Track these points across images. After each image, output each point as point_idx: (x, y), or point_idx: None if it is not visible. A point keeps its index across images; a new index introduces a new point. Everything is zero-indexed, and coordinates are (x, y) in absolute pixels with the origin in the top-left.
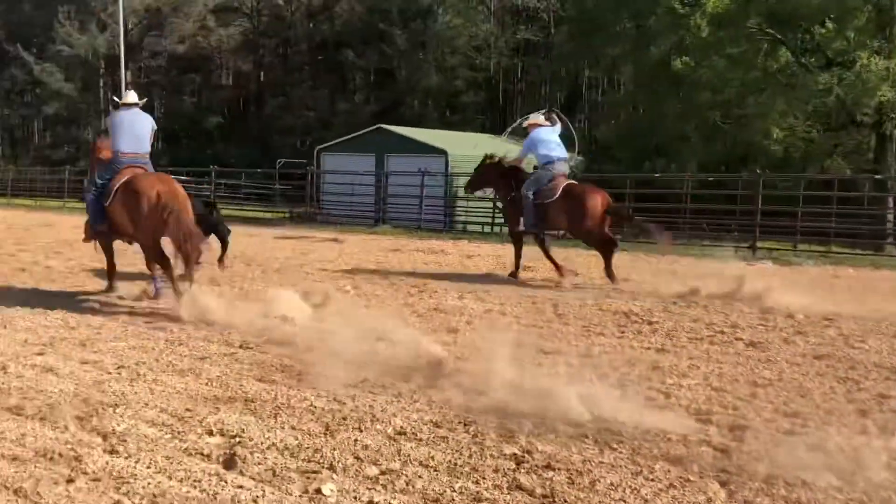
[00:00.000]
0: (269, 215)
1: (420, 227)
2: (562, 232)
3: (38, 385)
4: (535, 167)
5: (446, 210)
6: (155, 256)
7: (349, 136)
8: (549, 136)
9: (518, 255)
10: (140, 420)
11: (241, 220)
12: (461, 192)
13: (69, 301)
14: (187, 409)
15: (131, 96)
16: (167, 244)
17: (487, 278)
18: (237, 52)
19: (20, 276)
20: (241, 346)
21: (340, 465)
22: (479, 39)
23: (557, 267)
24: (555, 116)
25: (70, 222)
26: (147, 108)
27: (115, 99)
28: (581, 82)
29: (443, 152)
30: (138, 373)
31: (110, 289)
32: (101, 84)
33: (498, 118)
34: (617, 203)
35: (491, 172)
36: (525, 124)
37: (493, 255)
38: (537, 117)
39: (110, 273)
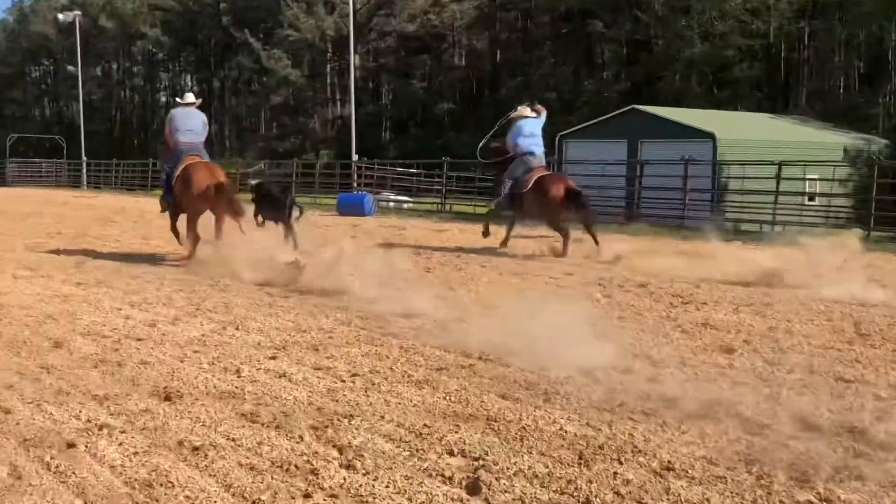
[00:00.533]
0: None
1: (683, 225)
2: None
3: (272, 391)
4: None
5: (714, 205)
6: (191, 226)
7: (596, 120)
8: (532, 129)
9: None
10: (376, 434)
11: (475, 218)
12: (732, 185)
13: (301, 302)
14: (425, 425)
15: (189, 97)
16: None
17: (768, 288)
18: (471, 29)
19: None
20: (479, 358)
21: (598, 500)
22: (755, 0)
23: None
24: (539, 107)
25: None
26: (374, 94)
27: (177, 99)
28: (887, 47)
29: (710, 136)
30: (373, 382)
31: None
32: (329, 69)
33: (778, 94)
34: (577, 191)
35: (498, 152)
36: (512, 115)
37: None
38: (524, 109)
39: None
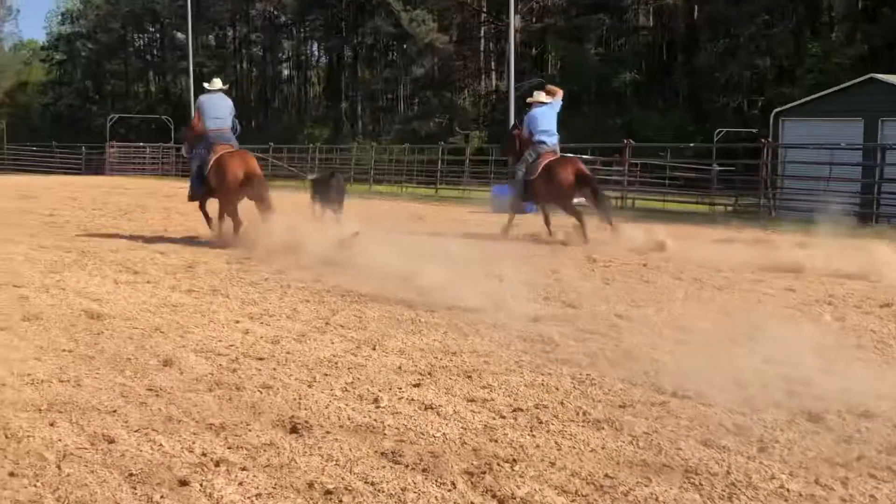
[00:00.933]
0: (703, 208)
1: None
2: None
3: (417, 426)
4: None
5: None
6: (232, 212)
7: (824, 93)
8: (544, 116)
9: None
10: (545, 484)
11: (665, 215)
12: None
13: (449, 318)
14: (607, 476)
15: (216, 83)
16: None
17: None
18: None
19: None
20: (674, 394)
21: None
22: None
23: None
24: (551, 88)
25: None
26: (538, 63)
27: (205, 85)
28: None
29: None
30: (539, 419)
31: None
32: (482, 33)
33: None
34: (587, 174)
35: (514, 142)
36: (529, 101)
37: None
38: (539, 95)
39: (220, 226)
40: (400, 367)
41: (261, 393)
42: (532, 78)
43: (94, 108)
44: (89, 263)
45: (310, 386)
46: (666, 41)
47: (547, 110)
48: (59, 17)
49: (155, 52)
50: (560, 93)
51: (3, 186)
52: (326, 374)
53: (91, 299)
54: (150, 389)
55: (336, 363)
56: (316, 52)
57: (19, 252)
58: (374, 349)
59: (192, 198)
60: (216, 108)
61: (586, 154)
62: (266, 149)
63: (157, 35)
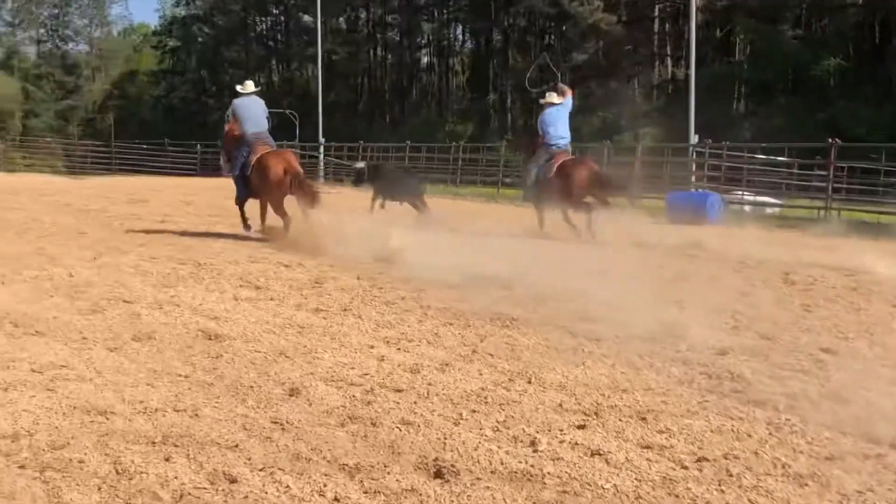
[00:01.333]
0: None
1: None
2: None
3: (583, 475)
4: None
5: None
6: (280, 212)
7: None
8: (557, 117)
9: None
10: None
11: (877, 230)
12: None
13: (618, 348)
14: None
15: (249, 85)
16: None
17: None
18: None
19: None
20: (891, 445)
21: None
22: None
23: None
24: (563, 87)
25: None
26: (723, 48)
27: (238, 88)
28: None
29: None
30: (729, 472)
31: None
32: (656, 13)
33: None
34: (600, 174)
35: (525, 139)
36: (541, 101)
37: None
38: (551, 96)
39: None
40: (560, 405)
41: (400, 430)
42: (715, 65)
43: (211, 101)
44: (206, 277)
45: (456, 424)
46: (878, 20)
47: (558, 111)
48: None
49: (278, 37)
50: (570, 93)
51: (111, 189)
52: (475, 411)
53: (209, 318)
54: (276, 422)
55: (485, 398)
56: (460, 36)
57: (129, 263)
58: (529, 383)
59: (237, 201)
60: (252, 110)
61: (781, 155)
62: (402, 147)
63: (282, 18)
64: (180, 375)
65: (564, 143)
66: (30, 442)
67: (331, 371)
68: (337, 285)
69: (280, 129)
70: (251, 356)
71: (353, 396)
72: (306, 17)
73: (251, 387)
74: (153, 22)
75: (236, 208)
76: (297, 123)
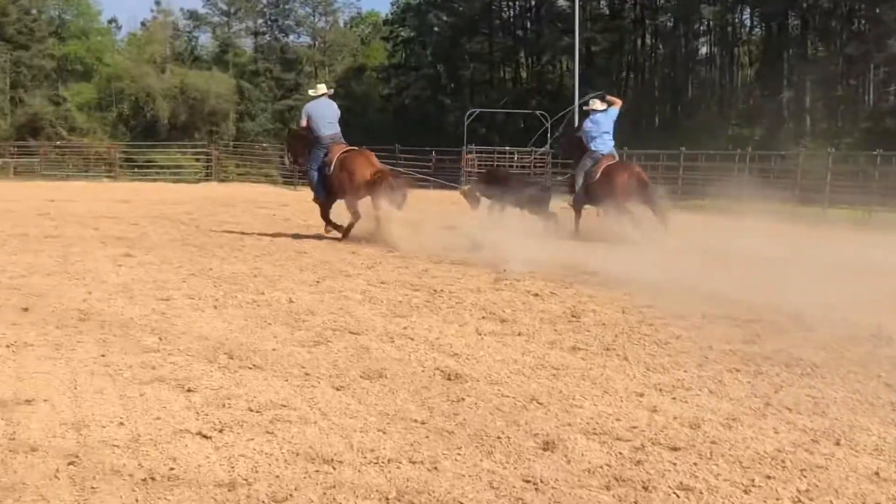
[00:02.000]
0: None
1: None
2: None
3: None
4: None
5: None
6: (354, 211)
7: None
8: (600, 123)
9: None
10: None
11: None
12: None
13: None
14: None
15: (321, 88)
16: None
17: None
18: None
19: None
20: None
21: None
22: None
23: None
24: (612, 99)
25: None
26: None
27: (310, 92)
28: None
29: None
30: None
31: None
32: None
33: None
34: (643, 178)
35: (568, 142)
36: (585, 108)
37: None
38: (595, 103)
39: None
40: (877, 473)
41: (678, 496)
42: None
43: (448, 101)
44: (443, 306)
45: (746, 492)
46: None
47: (602, 117)
48: None
49: (528, 25)
50: (619, 102)
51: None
52: (769, 477)
53: (447, 354)
54: (528, 481)
55: (782, 462)
56: (747, 22)
57: (355, 288)
58: (837, 444)
59: (316, 200)
60: (325, 113)
61: None
62: (675, 155)
63: (532, 3)
64: (416, 421)
65: (608, 148)
66: (248, 492)
67: (592, 422)
68: (597, 319)
69: (528, 132)
70: (497, 401)
71: (620, 454)
72: (561, 2)
73: (498, 437)
74: (384, 10)
75: (478, 222)
76: (548, 126)
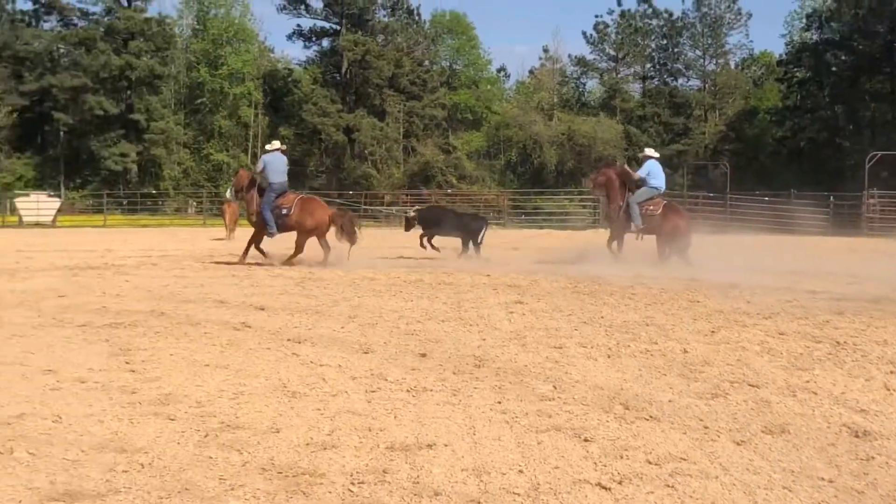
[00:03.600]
0: None
1: None
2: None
3: None
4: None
5: None
6: (300, 247)
7: None
8: (658, 168)
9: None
10: None
11: None
12: None
13: None
14: None
15: (275, 144)
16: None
17: None
18: None
19: None
20: None
21: None
22: None
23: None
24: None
25: None
26: None
27: (267, 147)
28: None
29: None
30: None
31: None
32: None
33: None
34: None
35: (610, 175)
36: (641, 155)
37: None
38: (651, 151)
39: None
40: None
41: None
42: None
43: (846, 144)
44: (847, 359)
45: None
46: None
47: (656, 164)
48: (804, 21)
49: None
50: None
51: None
52: None
53: (853, 410)
54: None
55: None
56: None
57: (752, 339)
58: None
59: (269, 234)
60: (278, 166)
61: None
62: None
63: None
64: (822, 479)
65: (663, 190)
66: None
67: None
68: None
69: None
70: None
71: None
72: None
73: None
74: (778, 50)
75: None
76: None
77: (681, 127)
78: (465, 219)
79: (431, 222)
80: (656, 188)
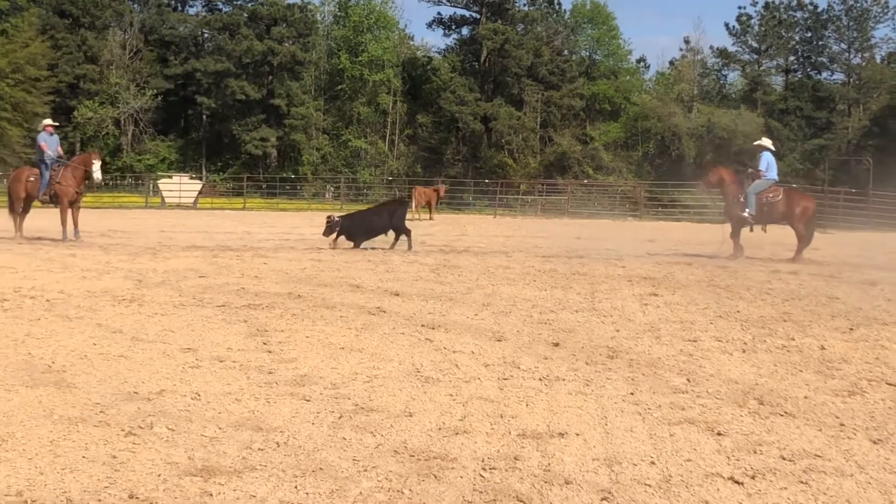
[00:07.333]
0: None
1: None
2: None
3: None
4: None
5: None
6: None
7: None
8: (773, 159)
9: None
10: None
11: None
12: None
13: None
14: None
15: (49, 121)
16: None
17: None
18: None
19: None
20: None
21: None
22: None
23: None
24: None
25: None
26: None
27: (45, 122)
28: None
29: None
30: None
31: None
32: None
33: None
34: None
35: (721, 174)
36: (755, 143)
37: None
38: (767, 141)
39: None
40: None
41: None
42: None
43: None
44: None
45: None
46: None
47: (771, 155)
48: None
49: None
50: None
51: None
52: None
53: None
54: None
55: None
56: None
57: (892, 337)
58: None
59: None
60: (50, 142)
61: None
62: None
63: None
64: None
65: (777, 179)
66: None
67: None
68: None
69: None
70: None
71: None
72: None
73: None
74: None
75: None
76: None
77: (823, 121)
78: (383, 214)
79: (358, 232)
80: (772, 179)
